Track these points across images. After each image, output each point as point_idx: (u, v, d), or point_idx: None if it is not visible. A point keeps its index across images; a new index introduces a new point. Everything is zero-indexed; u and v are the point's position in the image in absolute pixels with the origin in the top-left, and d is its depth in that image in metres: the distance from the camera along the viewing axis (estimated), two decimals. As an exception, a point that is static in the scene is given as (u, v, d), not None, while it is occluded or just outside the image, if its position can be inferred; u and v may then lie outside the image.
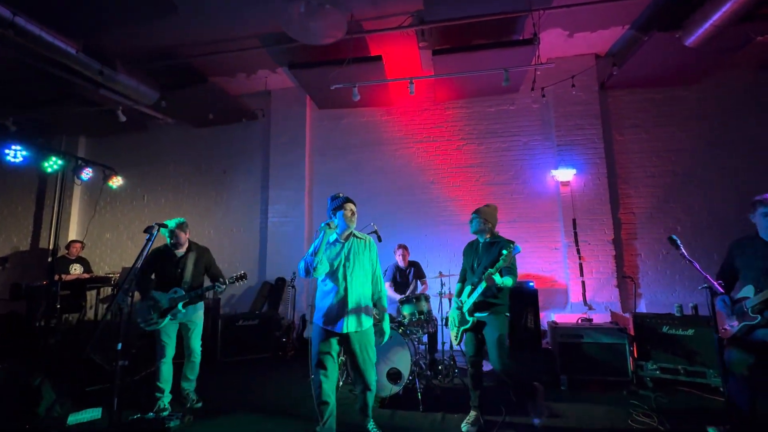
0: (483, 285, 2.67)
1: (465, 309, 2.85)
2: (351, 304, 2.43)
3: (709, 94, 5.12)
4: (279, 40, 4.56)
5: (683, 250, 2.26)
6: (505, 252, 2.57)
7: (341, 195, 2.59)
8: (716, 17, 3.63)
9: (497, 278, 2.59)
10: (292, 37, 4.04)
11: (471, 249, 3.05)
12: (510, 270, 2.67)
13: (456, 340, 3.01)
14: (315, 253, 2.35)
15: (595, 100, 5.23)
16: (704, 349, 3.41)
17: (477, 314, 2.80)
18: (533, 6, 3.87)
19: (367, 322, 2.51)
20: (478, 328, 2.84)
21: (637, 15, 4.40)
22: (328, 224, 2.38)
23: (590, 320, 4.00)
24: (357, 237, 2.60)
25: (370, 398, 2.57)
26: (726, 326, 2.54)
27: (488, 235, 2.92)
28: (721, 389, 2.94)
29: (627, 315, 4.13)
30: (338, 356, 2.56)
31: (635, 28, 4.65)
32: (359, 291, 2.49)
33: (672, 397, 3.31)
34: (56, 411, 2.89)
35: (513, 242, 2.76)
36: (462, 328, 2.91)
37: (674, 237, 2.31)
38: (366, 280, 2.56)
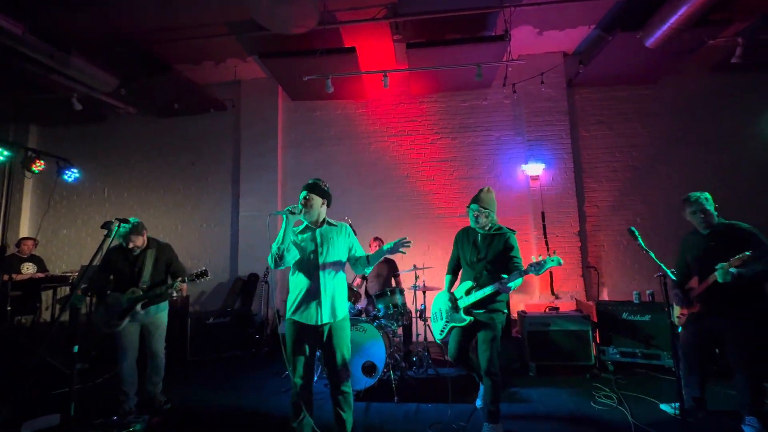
0: (493, 288, 2.47)
1: (462, 306, 2.64)
2: (323, 294, 2.27)
3: (668, 93, 5.40)
4: (248, 28, 4.38)
5: (641, 241, 2.39)
6: (542, 260, 2.35)
7: (312, 180, 2.41)
8: (673, 20, 3.84)
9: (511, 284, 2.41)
10: (260, 24, 3.90)
11: (466, 238, 2.72)
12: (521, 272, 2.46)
13: (441, 335, 2.82)
14: (282, 240, 2.22)
15: (563, 97, 5.40)
16: (659, 333, 3.66)
17: (474, 311, 2.61)
18: (504, 3, 3.93)
19: (341, 313, 2.34)
20: (471, 325, 2.64)
21: (603, 15, 4.57)
22: (290, 210, 2.23)
23: (557, 309, 4.18)
24: (331, 224, 2.42)
25: (348, 417, 2.29)
26: (680, 314, 2.73)
27: (488, 227, 2.64)
28: (673, 369, 3.16)
29: (591, 303, 4.34)
30: (315, 350, 2.35)
31: (600, 28, 4.83)
32: (332, 280, 2.33)
33: (630, 378, 3.54)
34: (1, 417, 2.72)
35: (514, 231, 2.64)
36: (452, 325, 2.71)
37: (633, 229, 2.43)
38: (340, 268, 2.39)
